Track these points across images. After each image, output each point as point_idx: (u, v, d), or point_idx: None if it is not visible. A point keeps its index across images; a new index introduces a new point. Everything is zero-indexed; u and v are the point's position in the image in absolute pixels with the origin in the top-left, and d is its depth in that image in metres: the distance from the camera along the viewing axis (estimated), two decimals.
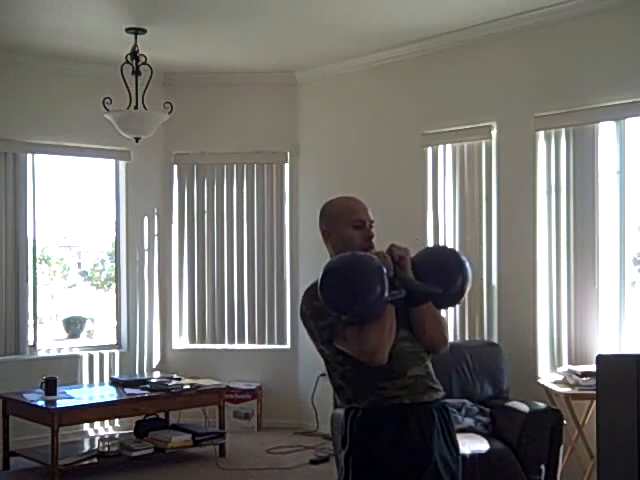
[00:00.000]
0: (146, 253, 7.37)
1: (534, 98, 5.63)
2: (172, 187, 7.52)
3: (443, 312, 2.93)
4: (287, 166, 7.46)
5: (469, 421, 4.95)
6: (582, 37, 5.38)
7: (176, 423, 6.50)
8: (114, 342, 7.32)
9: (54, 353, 6.97)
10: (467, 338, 6.04)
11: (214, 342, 7.48)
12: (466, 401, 5.10)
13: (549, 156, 5.59)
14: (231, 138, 7.41)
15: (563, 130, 5.50)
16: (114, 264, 7.54)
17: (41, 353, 6.84)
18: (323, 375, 6.90)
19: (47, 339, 7.44)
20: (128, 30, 5.85)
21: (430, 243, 6.28)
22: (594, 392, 4.17)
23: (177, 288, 7.51)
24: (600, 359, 4.09)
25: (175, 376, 6.53)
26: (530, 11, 5.50)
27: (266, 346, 7.47)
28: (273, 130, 7.38)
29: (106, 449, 5.91)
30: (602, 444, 3.94)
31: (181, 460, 6.20)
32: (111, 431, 6.93)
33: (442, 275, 2.79)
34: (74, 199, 7.80)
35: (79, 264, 9.16)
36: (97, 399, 6.01)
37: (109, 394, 6.16)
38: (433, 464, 2.69)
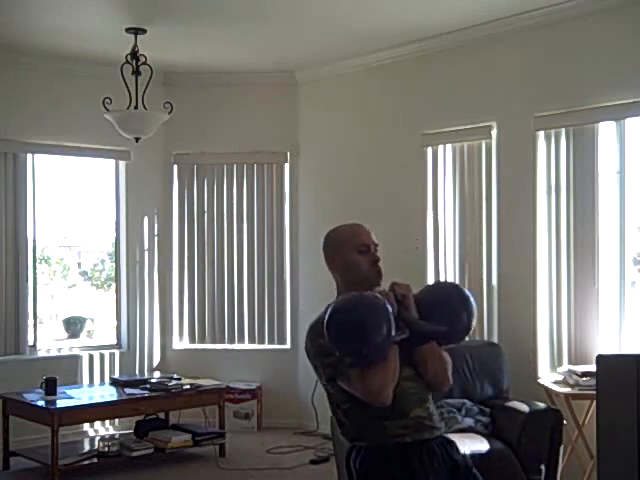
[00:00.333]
0: (146, 253, 7.36)
1: (534, 98, 5.63)
2: (172, 187, 7.52)
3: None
4: (287, 166, 7.46)
5: (469, 421, 4.95)
6: (582, 37, 5.38)
7: (176, 423, 6.50)
8: (114, 342, 7.32)
9: (54, 353, 6.98)
10: (467, 338, 6.04)
11: (214, 342, 7.48)
12: (466, 401, 5.09)
13: (549, 156, 5.59)
14: (231, 138, 7.41)
15: (563, 130, 5.50)
16: (114, 264, 7.54)
17: (41, 353, 6.84)
18: None
19: (47, 339, 7.44)
20: (128, 30, 5.85)
21: (430, 243, 6.28)
22: (594, 392, 4.17)
23: (177, 288, 7.51)
24: (600, 359, 4.09)
25: (175, 376, 6.53)
26: (530, 11, 5.50)
27: (266, 346, 7.47)
28: (273, 130, 7.38)
29: (106, 449, 5.91)
30: (602, 444, 3.94)
31: (181, 460, 6.20)
32: (111, 431, 6.93)
33: (446, 312, 2.76)
34: (74, 199, 7.80)
35: (79, 264, 9.16)
36: (97, 399, 6.01)
37: (109, 394, 6.16)
38: None
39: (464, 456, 2.83)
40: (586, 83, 5.36)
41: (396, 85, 6.63)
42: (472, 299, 2.83)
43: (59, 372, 6.24)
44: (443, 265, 6.25)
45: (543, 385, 5.23)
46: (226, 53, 6.67)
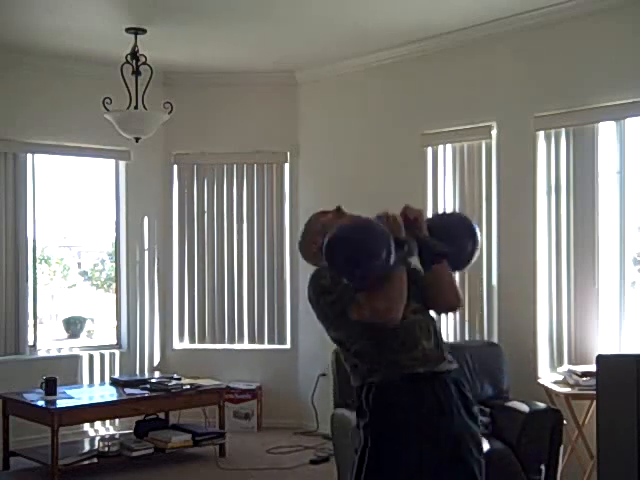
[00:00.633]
0: (146, 253, 7.36)
1: (534, 98, 5.63)
2: (172, 187, 7.52)
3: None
4: (287, 166, 7.46)
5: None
6: (582, 37, 5.37)
7: (176, 423, 6.50)
8: (114, 342, 7.32)
9: (54, 353, 6.98)
10: (467, 338, 6.04)
11: (214, 342, 7.48)
12: None
13: (549, 156, 5.59)
14: (231, 138, 7.41)
15: (563, 130, 5.50)
16: (114, 264, 7.54)
17: (41, 353, 6.84)
18: (323, 375, 6.97)
19: (47, 339, 7.43)
20: (128, 30, 5.85)
21: None
22: (594, 392, 4.18)
23: (177, 288, 7.51)
24: (600, 359, 4.10)
25: (175, 376, 6.53)
26: (530, 11, 5.50)
27: (266, 346, 7.47)
28: (273, 130, 7.38)
29: (106, 449, 5.91)
30: (602, 444, 3.94)
31: (181, 460, 6.20)
32: (111, 431, 6.93)
33: (454, 237, 2.97)
34: (74, 199, 7.80)
35: (79, 264, 9.16)
36: (97, 399, 6.00)
37: (109, 394, 6.16)
38: (454, 433, 2.80)
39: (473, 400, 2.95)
40: (586, 83, 5.35)
41: (396, 85, 6.63)
42: (478, 231, 3.04)
43: (59, 372, 6.24)
44: None
45: (543, 385, 5.23)
46: (226, 53, 6.67)
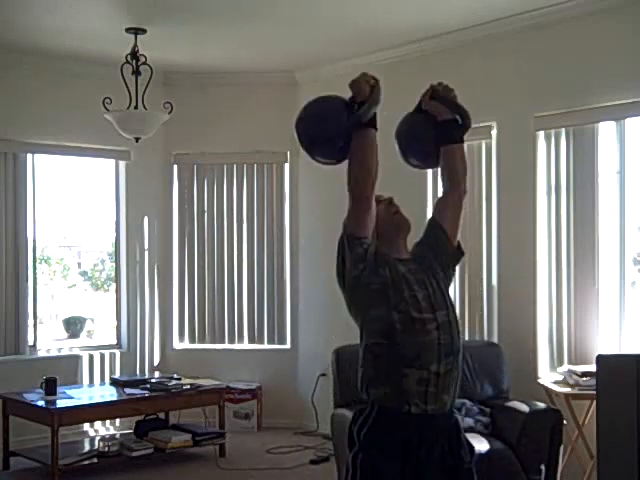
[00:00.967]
0: (146, 253, 7.36)
1: (534, 98, 5.63)
2: (172, 187, 7.52)
3: None
4: (287, 166, 7.46)
5: (469, 421, 4.95)
6: (582, 37, 5.37)
7: (176, 423, 6.50)
8: (114, 342, 7.32)
9: (54, 353, 6.98)
10: (467, 338, 6.04)
11: (214, 342, 7.48)
12: (466, 401, 5.09)
13: (549, 156, 5.59)
14: (231, 138, 7.41)
15: (563, 130, 5.50)
16: (114, 264, 7.54)
17: (41, 353, 6.84)
18: (323, 375, 6.96)
19: (47, 339, 7.44)
20: (128, 30, 5.85)
21: None
22: (594, 392, 4.18)
23: (177, 288, 7.51)
24: (600, 359, 4.10)
25: (175, 376, 6.53)
26: (530, 11, 5.50)
27: (266, 346, 7.47)
28: (273, 130, 7.37)
29: (106, 449, 5.91)
30: (602, 444, 3.95)
31: (181, 460, 6.20)
32: (111, 431, 6.93)
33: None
34: (74, 199, 7.80)
35: (79, 264, 9.17)
36: (97, 399, 6.01)
37: (109, 394, 6.16)
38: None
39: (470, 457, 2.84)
40: (586, 83, 5.35)
41: (396, 85, 6.61)
42: None
43: (59, 372, 6.24)
44: None
45: (543, 385, 5.23)
46: (226, 53, 6.67)
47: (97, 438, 6.31)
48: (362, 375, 2.82)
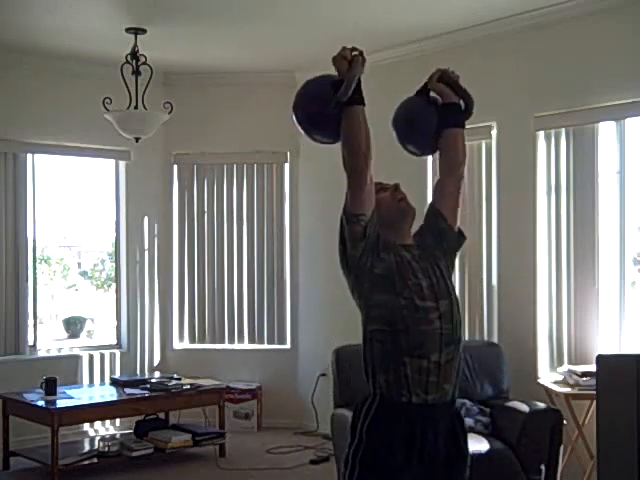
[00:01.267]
0: (146, 253, 7.37)
1: (534, 98, 5.63)
2: (172, 187, 7.52)
3: None
4: (287, 166, 7.46)
5: (469, 421, 4.94)
6: (582, 37, 5.37)
7: (176, 423, 6.51)
8: (114, 342, 7.32)
9: (54, 353, 6.98)
10: (467, 338, 6.04)
11: (214, 342, 7.48)
12: (466, 401, 5.09)
13: (549, 156, 5.59)
14: (231, 138, 7.41)
15: (563, 130, 5.50)
16: (114, 264, 7.54)
17: (41, 353, 6.84)
18: (323, 375, 6.95)
19: (47, 339, 7.45)
20: (128, 30, 5.85)
21: None
22: (594, 392, 4.18)
23: (177, 288, 7.51)
24: (600, 359, 4.10)
25: (175, 376, 6.53)
26: (530, 11, 5.50)
27: (266, 346, 7.47)
28: (273, 130, 7.36)
29: (106, 449, 5.91)
30: (602, 444, 3.95)
31: (181, 460, 6.20)
32: (111, 431, 6.93)
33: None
34: (74, 199, 7.81)
35: (79, 264, 9.17)
36: (97, 399, 6.01)
37: (109, 394, 6.16)
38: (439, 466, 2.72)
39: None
40: (586, 83, 5.35)
41: (396, 85, 6.60)
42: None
43: (59, 372, 6.24)
44: None
45: (543, 385, 5.23)
46: (226, 53, 6.67)
47: (97, 438, 6.31)
48: (364, 362, 2.81)
